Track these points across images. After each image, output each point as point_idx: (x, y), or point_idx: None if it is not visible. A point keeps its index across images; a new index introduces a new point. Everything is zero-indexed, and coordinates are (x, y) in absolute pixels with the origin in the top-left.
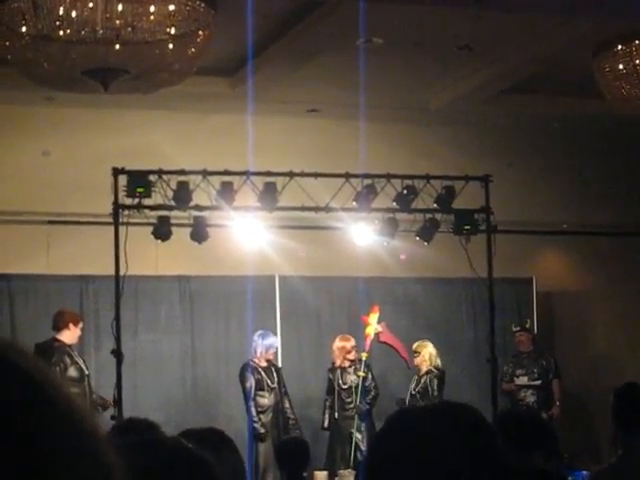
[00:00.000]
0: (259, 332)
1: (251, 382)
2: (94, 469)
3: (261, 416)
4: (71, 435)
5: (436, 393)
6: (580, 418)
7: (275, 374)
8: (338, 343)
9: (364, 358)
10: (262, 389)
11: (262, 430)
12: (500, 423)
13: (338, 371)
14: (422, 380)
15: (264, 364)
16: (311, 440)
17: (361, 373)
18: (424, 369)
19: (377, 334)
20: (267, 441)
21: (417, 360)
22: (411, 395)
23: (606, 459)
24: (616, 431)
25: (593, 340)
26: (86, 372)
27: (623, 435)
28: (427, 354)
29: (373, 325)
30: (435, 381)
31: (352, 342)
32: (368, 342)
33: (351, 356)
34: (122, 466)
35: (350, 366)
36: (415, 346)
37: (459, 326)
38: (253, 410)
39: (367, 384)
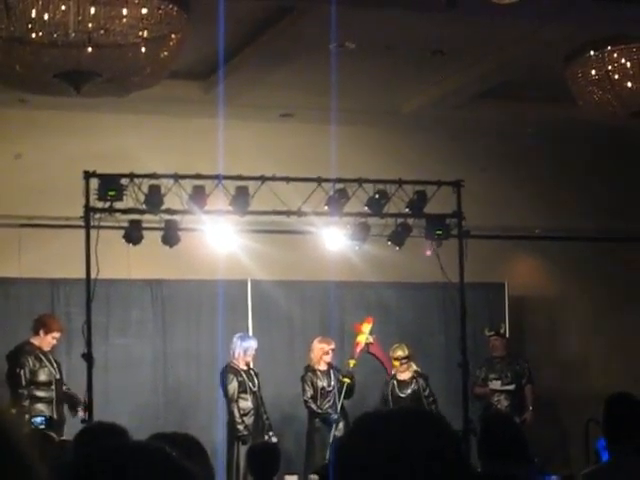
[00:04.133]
0: (238, 334)
1: (234, 384)
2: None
3: (244, 418)
4: None
5: (428, 392)
6: (551, 422)
7: (255, 378)
8: (317, 344)
9: (352, 366)
10: (245, 392)
11: (246, 432)
12: (483, 430)
13: (318, 373)
14: (411, 385)
15: (244, 367)
16: (288, 443)
17: (346, 380)
18: (410, 374)
19: (368, 344)
20: (249, 444)
21: (404, 366)
22: (401, 399)
23: (576, 463)
24: (606, 440)
25: (564, 345)
26: (56, 376)
27: (612, 444)
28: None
29: (365, 334)
30: (426, 382)
31: (332, 345)
32: (358, 350)
33: (328, 358)
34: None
35: (329, 369)
36: (406, 352)
37: (430, 330)
38: (236, 412)
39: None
